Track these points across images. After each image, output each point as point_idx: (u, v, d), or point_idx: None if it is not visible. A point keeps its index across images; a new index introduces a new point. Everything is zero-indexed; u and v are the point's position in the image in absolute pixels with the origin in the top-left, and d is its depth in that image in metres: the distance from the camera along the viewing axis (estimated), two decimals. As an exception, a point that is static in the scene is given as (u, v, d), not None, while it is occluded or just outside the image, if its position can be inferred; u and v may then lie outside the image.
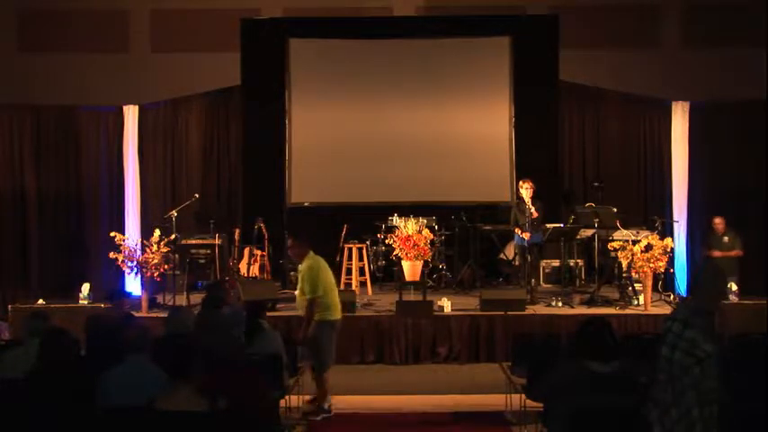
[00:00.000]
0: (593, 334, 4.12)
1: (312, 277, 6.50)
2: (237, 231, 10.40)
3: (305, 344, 6.57)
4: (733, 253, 9.80)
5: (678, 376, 3.80)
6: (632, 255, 8.56)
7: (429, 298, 8.88)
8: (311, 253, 6.68)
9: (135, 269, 8.71)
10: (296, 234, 7.00)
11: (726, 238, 9.82)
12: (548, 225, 9.51)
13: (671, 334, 3.85)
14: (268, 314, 8.33)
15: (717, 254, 9.80)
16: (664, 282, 9.70)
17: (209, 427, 3.72)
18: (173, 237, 9.04)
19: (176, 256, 9.36)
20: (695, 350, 3.77)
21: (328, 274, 6.74)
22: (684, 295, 10.04)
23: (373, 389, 7.55)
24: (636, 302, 8.91)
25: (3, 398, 4.33)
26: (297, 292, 6.79)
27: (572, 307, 8.92)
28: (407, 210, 9.98)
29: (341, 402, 7.04)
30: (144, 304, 8.83)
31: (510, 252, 10.50)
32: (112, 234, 8.79)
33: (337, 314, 6.72)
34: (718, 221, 9.92)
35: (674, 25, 11.67)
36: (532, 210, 9.30)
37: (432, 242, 9.46)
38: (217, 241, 10.07)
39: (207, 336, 4.40)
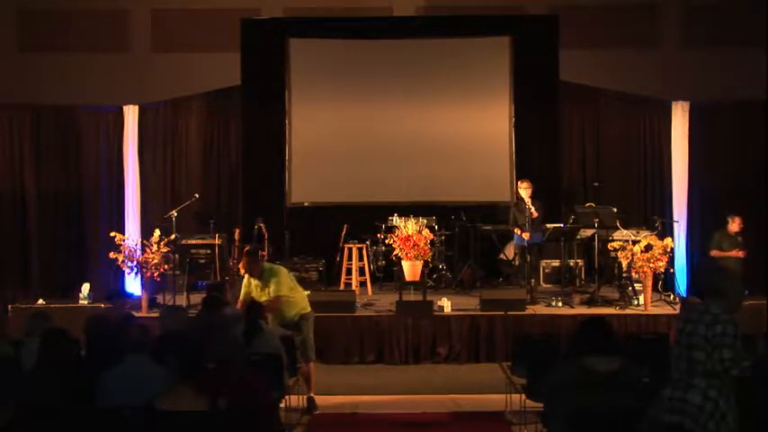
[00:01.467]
0: (591, 333, 4.12)
1: (279, 282, 6.79)
2: (237, 231, 10.39)
3: (298, 339, 6.78)
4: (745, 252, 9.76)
5: (719, 376, 3.72)
6: (632, 255, 8.57)
7: (429, 298, 8.88)
8: (267, 264, 7.05)
9: (135, 269, 8.71)
10: (253, 251, 7.14)
11: (740, 238, 9.78)
12: (548, 225, 9.52)
13: (698, 336, 3.78)
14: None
15: (740, 253, 9.67)
16: (664, 282, 9.70)
17: (210, 427, 3.71)
18: (173, 237, 9.04)
19: (176, 256, 9.36)
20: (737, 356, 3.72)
21: (288, 277, 7.07)
22: (686, 295, 10.05)
23: (373, 389, 7.55)
24: (636, 302, 8.92)
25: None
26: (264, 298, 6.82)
27: (572, 307, 8.93)
28: (407, 210, 9.99)
29: (341, 402, 7.06)
30: (144, 304, 8.84)
31: (510, 252, 10.51)
32: (112, 234, 8.79)
33: (309, 307, 7.16)
34: (739, 221, 9.78)
35: (674, 25, 11.67)
36: (532, 210, 9.30)
37: (432, 242, 9.46)
38: (217, 241, 10.07)
39: (207, 336, 4.39)
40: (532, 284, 9.49)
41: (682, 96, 11.45)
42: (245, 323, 5.72)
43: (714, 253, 9.93)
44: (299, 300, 7.03)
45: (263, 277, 6.81)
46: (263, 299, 6.76)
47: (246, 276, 6.98)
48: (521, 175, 10.20)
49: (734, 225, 9.78)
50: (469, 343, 8.51)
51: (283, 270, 7.03)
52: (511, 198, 10.82)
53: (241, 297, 6.95)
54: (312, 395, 6.92)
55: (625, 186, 11.57)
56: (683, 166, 11.41)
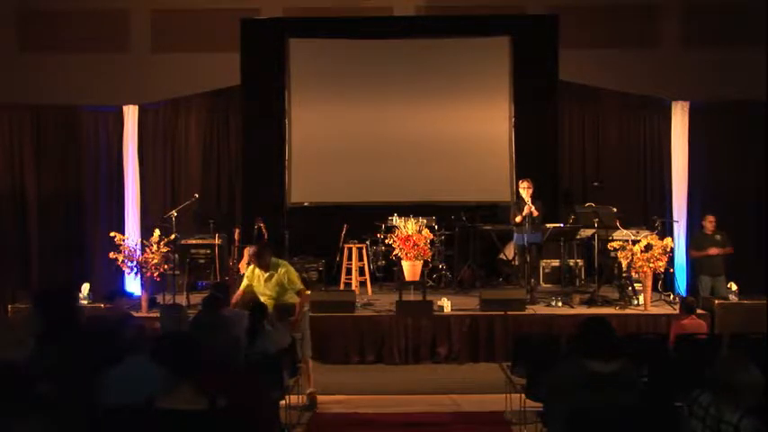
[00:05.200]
0: (593, 333, 4.12)
1: (289, 270, 7.01)
2: (237, 231, 10.39)
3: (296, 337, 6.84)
4: (728, 250, 9.80)
5: None
6: (632, 255, 8.57)
7: (429, 298, 8.88)
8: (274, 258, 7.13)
9: (135, 269, 8.71)
10: (266, 245, 7.33)
11: (718, 236, 9.84)
12: (548, 225, 9.51)
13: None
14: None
15: (715, 251, 9.79)
16: (663, 282, 9.71)
17: (209, 427, 3.71)
18: (172, 237, 9.04)
19: (176, 256, 9.36)
20: None
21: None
22: (685, 294, 10.05)
23: (373, 389, 7.55)
24: (636, 302, 8.92)
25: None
26: (268, 295, 6.92)
27: (572, 307, 8.93)
28: (407, 210, 9.98)
29: (341, 402, 7.05)
30: (144, 304, 8.84)
31: (510, 252, 10.51)
32: (112, 234, 8.79)
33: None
34: (711, 220, 9.91)
35: (673, 25, 11.67)
36: (532, 209, 9.32)
37: (432, 242, 9.46)
38: (217, 241, 10.07)
39: (207, 336, 4.39)
40: (532, 284, 9.49)
41: (682, 96, 11.45)
42: (248, 323, 5.73)
43: (693, 254, 10.16)
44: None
45: (271, 269, 6.93)
46: (265, 291, 6.89)
47: (251, 269, 7.07)
48: (521, 175, 10.20)
49: (707, 224, 9.89)
50: (469, 343, 8.51)
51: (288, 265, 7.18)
52: (511, 198, 10.83)
53: (242, 288, 7.08)
54: (313, 390, 6.96)
55: (625, 186, 11.56)
56: (682, 165, 11.40)
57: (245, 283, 7.09)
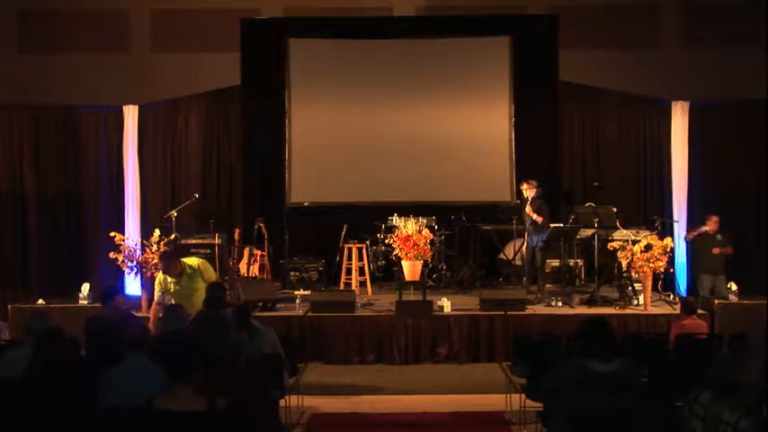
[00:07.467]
0: (593, 334, 4.12)
1: (211, 270, 7.08)
2: (237, 231, 10.41)
3: None
4: (728, 250, 9.83)
5: None
6: (632, 255, 8.57)
7: (429, 298, 8.87)
8: (184, 261, 7.09)
9: (135, 269, 8.72)
10: (170, 254, 7.33)
11: (719, 236, 9.85)
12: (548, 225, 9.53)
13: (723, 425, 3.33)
14: (268, 314, 8.38)
15: (716, 251, 9.80)
16: (663, 282, 9.71)
17: (209, 427, 3.71)
18: (173, 236, 9.05)
19: (176, 255, 9.35)
20: None
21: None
22: (685, 294, 10.05)
23: (373, 389, 7.55)
24: (636, 302, 8.92)
25: (2, 398, 4.32)
26: (178, 294, 6.84)
27: (572, 307, 8.93)
28: (407, 210, 9.98)
29: (341, 402, 7.05)
30: (144, 304, 8.84)
31: (510, 252, 10.51)
32: (112, 234, 8.80)
33: None
34: (715, 219, 9.91)
35: (673, 25, 11.67)
36: (534, 217, 9.37)
37: (432, 242, 9.46)
38: (217, 241, 10.08)
39: (207, 336, 4.39)
40: (539, 285, 9.50)
41: (682, 96, 11.45)
42: (236, 324, 5.71)
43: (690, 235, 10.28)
44: None
45: (185, 273, 6.89)
46: (180, 295, 6.80)
47: (160, 275, 7.03)
48: (521, 175, 10.20)
49: (710, 224, 9.86)
50: (469, 343, 8.51)
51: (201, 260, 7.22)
52: (511, 198, 10.84)
53: (156, 299, 6.95)
54: None
55: (625, 186, 11.56)
56: (682, 165, 11.40)
57: (158, 291, 6.98)
